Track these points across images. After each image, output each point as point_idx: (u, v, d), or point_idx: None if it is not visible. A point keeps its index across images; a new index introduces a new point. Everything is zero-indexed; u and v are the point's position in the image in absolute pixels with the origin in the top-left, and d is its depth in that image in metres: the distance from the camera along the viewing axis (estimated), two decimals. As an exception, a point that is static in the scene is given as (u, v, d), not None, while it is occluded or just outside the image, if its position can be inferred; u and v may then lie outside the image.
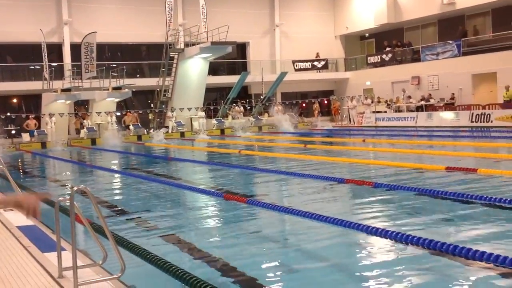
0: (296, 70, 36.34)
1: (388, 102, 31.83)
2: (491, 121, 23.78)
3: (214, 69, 34.72)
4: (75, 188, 4.27)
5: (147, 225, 7.69)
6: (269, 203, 8.49)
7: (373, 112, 30.93)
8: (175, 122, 30.11)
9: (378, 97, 32.69)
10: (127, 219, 8.22)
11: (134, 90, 30.95)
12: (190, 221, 8.08)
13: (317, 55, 37.80)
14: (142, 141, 27.70)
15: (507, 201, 7.44)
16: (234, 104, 33.24)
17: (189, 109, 30.40)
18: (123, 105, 33.22)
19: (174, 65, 30.80)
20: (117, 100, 30.46)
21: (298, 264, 5.64)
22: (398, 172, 11.51)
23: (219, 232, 7.38)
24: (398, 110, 30.77)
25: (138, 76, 34.00)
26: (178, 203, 9.79)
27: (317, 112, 35.15)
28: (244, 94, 35.97)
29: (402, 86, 31.90)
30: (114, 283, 4.37)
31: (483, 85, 28.28)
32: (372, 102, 31.87)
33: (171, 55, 30.94)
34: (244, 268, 5.36)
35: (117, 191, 12.16)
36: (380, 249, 5.91)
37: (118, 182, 13.73)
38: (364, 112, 31.52)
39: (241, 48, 37.38)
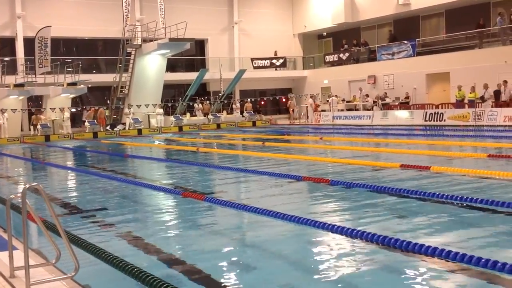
0: (254, 67, 36.43)
1: (347, 101, 32.32)
2: (444, 120, 24.42)
3: (172, 66, 34.45)
4: (27, 186, 4.17)
5: (103, 223, 7.57)
6: (227, 200, 8.50)
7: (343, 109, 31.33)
8: (132, 119, 29.73)
9: (336, 95, 33.08)
10: (81, 217, 8.07)
11: (89, 86, 30.43)
12: (147, 219, 8.00)
13: (275, 53, 37.98)
14: (98, 138, 27.25)
15: (458, 198, 7.65)
16: (200, 103, 33.11)
17: (147, 105, 30.08)
18: (78, 101, 32.60)
19: (131, 61, 30.39)
20: (72, 96, 29.88)
21: (255, 261, 5.65)
22: (355, 169, 11.69)
23: (176, 229, 7.33)
24: (355, 108, 31.26)
25: (94, 71, 33.43)
26: (135, 201, 9.67)
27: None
28: (202, 91, 35.83)
29: (359, 85, 32.40)
30: (68, 283, 4.28)
31: (436, 84, 29.01)
32: (337, 101, 32.20)
33: (128, 51, 30.50)
34: (201, 266, 5.35)
35: (72, 189, 11.92)
36: (336, 246, 5.99)
37: (72, 179, 13.46)
38: (322, 110, 31.88)
39: (200, 45, 37.20)
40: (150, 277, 4.61)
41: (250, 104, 34.26)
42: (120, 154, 18.22)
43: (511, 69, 24.34)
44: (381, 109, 28.22)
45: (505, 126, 21.53)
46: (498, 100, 24.21)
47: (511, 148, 14.25)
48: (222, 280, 4.93)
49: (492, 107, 23.67)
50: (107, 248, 5.70)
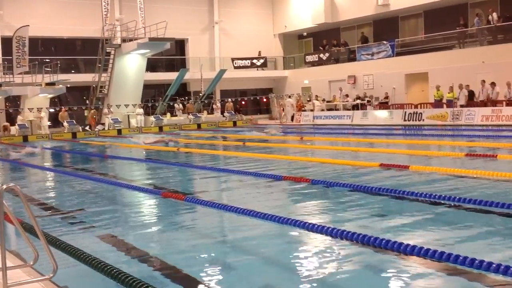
0: (235, 67, 36.40)
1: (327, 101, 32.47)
2: (423, 120, 24.67)
3: (152, 66, 34.27)
4: (4, 186, 4.11)
5: (82, 224, 7.50)
6: (207, 200, 8.48)
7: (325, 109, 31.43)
8: (111, 119, 29.51)
9: (316, 95, 33.22)
10: (60, 218, 7.99)
11: (68, 86, 30.13)
12: (127, 219, 7.94)
13: (259, 53, 38.04)
14: (77, 138, 27.00)
15: (436, 196, 7.74)
16: (181, 103, 33.00)
17: (126, 105, 29.89)
18: (57, 101, 32.27)
19: (111, 61, 30.14)
20: (51, 96, 29.57)
21: (235, 260, 5.65)
22: (335, 169, 11.75)
23: (156, 230, 7.29)
24: (335, 108, 31.42)
25: (73, 71, 33.12)
26: (114, 201, 9.60)
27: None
28: (183, 91, 35.71)
29: (339, 85, 32.58)
30: (46, 284, 4.24)
31: (415, 84, 29.30)
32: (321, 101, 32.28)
33: (107, 51, 30.25)
34: (181, 266, 5.33)
35: (50, 190, 11.79)
36: (316, 245, 6.01)
37: (51, 180, 13.32)
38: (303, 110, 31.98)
39: (180, 45, 37.07)
40: (129, 278, 4.58)
41: (231, 104, 34.26)
42: (100, 154, 18.07)
43: (489, 69, 24.69)
44: (373, 109, 28.14)
45: (482, 125, 21.84)
46: (471, 100, 24.53)
47: (488, 147, 14.45)
48: (202, 280, 4.92)
49: (462, 106, 23.96)
50: (86, 249, 5.65)
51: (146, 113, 31.75)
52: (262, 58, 37.71)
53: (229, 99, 34.75)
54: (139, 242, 6.43)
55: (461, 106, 24.18)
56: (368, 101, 29.45)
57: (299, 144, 18.41)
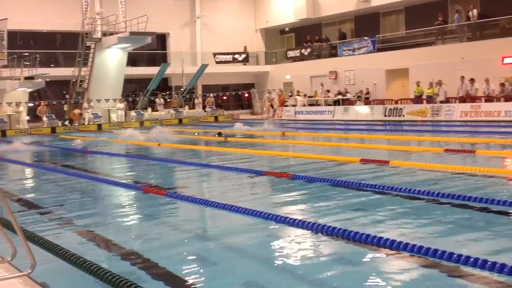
0: (217, 62, 36.30)
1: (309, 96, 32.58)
2: (403, 115, 24.87)
3: (133, 60, 34.00)
4: (-20, 182, 4.05)
5: (61, 220, 7.42)
6: (188, 195, 8.46)
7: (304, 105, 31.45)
8: (91, 114, 29.25)
9: (298, 90, 33.30)
10: (39, 214, 7.90)
11: (48, 80, 29.77)
12: (107, 215, 7.88)
13: (245, 48, 37.99)
14: (56, 133, 26.72)
15: (416, 191, 7.81)
16: (162, 97, 32.84)
17: (107, 100, 29.64)
18: (36, 96, 31.87)
19: (91, 55, 29.85)
20: (30, 90, 29.20)
21: (217, 255, 5.65)
22: (316, 164, 11.79)
23: (137, 226, 7.25)
24: (317, 103, 31.52)
25: (52, 65, 32.72)
26: (94, 197, 9.52)
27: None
28: (164, 86, 35.52)
29: (320, 80, 32.68)
30: (24, 280, 4.19)
31: (396, 80, 29.51)
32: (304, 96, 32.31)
33: (87, 45, 29.95)
34: (162, 262, 5.30)
35: (29, 185, 11.66)
36: (297, 239, 6.03)
37: (30, 175, 13.17)
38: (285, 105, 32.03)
39: (161, 39, 36.86)
40: (108, 274, 4.55)
41: (212, 99, 34.19)
42: (79, 149, 17.90)
43: (468, 66, 24.95)
44: (364, 104, 27.99)
45: (461, 121, 22.09)
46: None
47: (467, 142, 14.63)
48: (183, 275, 4.91)
49: (442, 102, 24.23)
50: (65, 245, 5.59)
51: (127, 108, 31.53)
52: (244, 53, 37.66)
53: (211, 94, 34.66)
54: (119, 238, 6.38)
55: (441, 102, 24.42)
56: (359, 97, 29.59)
57: (281, 140, 18.44)
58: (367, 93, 29.88)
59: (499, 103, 22.38)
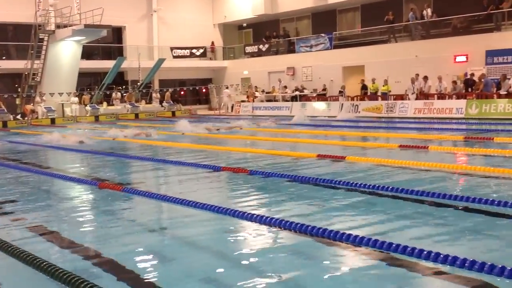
0: (174, 57, 35.97)
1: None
2: (359, 112, 25.25)
3: (88, 53, 33.33)
4: None
5: (13, 216, 7.22)
6: (145, 191, 8.37)
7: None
8: (45, 108, 28.55)
9: (256, 86, 33.36)
10: (-11, 211, 7.66)
11: (-1, 72, 28.87)
12: (61, 211, 7.71)
13: (212, 43, 37.82)
14: (8, 128, 25.96)
15: (371, 186, 7.95)
16: (118, 91, 32.28)
17: (61, 94, 28.98)
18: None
19: (44, 48, 29.10)
20: (-21, 82, 28.26)
21: (174, 252, 5.60)
22: (273, 160, 11.85)
23: (92, 222, 7.12)
24: (274, 99, 31.65)
25: (3, 58, 31.74)
26: (48, 192, 9.30)
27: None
28: (120, 80, 34.98)
29: (278, 76, 32.82)
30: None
31: (352, 77, 29.92)
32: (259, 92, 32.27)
33: (40, 37, 29.18)
34: (118, 258, 5.22)
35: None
36: (255, 234, 6.05)
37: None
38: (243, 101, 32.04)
39: (117, 33, 36.24)
40: (61, 272, 4.46)
41: (169, 93, 33.89)
42: (33, 144, 17.44)
43: (422, 63, 25.54)
44: (347, 100, 27.40)
45: (415, 118, 22.59)
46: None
47: (420, 139, 14.97)
48: (140, 273, 4.84)
49: (404, 99, 24.75)
50: (16, 241, 5.45)
51: (81, 102, 30.92)
52: (202, 48, 37.44)
53: (168, 89, 34.35)
54: (74, 235, 6.25)
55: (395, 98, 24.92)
56: (323, 89, 29.86)
57: (239, 135, 18.44)
58: (324, 89, 30.20)
59: (451, 101, 22.99)
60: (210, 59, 38.12)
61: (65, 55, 29.50)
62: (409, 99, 24.09)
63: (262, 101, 31.78)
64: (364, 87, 27.63)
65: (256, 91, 32.62)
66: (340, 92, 27.76)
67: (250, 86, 33.13)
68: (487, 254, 4.98)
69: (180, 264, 5.16)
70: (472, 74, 23.47)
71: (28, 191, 9.31)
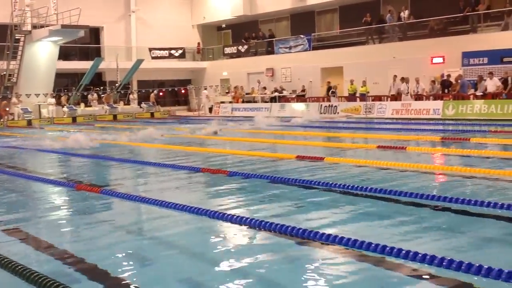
0: (152, 58, 35.76)
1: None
2: (338, 113, 25.39)
3: (65, 54, 32.94)
4: None
5: (-12, 220, 7.10)
6: (123, 192, 8.30)
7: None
8: (21, 109, 28.16)
9: (241, 87, 33.30)
10: (-36, 214, 7.52)
11: (-27, 73, 28.41)
12: (37, 213, 7.60)
13: (199, 44, 37.67)
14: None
15: (349, 187, 7.99)
16: (95, 93, 31.98)
17: (37, 95, 28.62)
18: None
19: (20, 48, 28.70)
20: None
21: (153, 254, 5.56)
22: (252, 161, 11.85)
23: (70, 224, 7.02)
24: (253, 100, 31.66)
25: (-22, 58, 31.20)
26: (24, 195, 9.16)
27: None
28: (98, 81, 34.66)
29: (257, 77, 32.84)
30: None
31: (331, 78, 30.05)
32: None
33: (16, 37, 28.76)
34: (96, 261, 5.16)
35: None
36: (235, 235, 6.04)
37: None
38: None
39: (95, 33, 35.90)
40: (37, 275, 4.39)
41: (154, 95, 33.75)
42: (7, 145, 17.18)
43: (400, 65, 25.76)
44: (337, 100, 27.13)
45: (393, 118, 22.80)
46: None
47: (398, 139, 15.10)
48: (118, 276, 4.80)
49: (372, 100, 24.96)
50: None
51: (59, 103, 30.55)
52: (181, 49, 37.28)
53: (153, 90, 34.19)
54: (51, 237, 6.17)
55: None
56: (303, 90, 29.97)
57: (218, 137, 18.38)
58: (303, 90, 30.31)
59: (428, 102, 23.25)
60: (197, 60, 37.99)
61: (42, 56, 29.13)
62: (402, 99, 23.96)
63: (241, 102, 31.75)
64: (329, 89, 28.01)
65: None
66: (332, 92, 27.74)
67: (236, 87, 33.05)
68: (462, 253, 5.04)
69: (159, 265, 5.13)
70: (449, 75, 23.77)
71: (3, 193, 9.15)
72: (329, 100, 26.89)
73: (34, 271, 4.48)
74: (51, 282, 4.22)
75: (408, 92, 24.03)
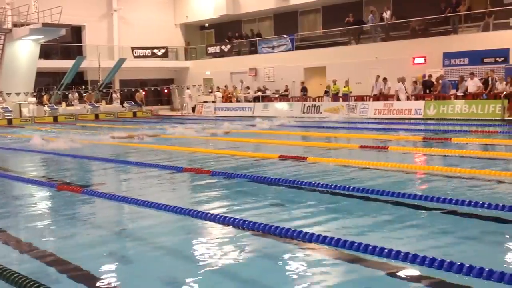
0: (135, 57, 35.55)
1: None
2: (321, 113, 25.49)
3: (46, 53, 32.60)
4: None
5: (-33, 220, 7.00)
6: (106, 192, 8.23)
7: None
8: (1, 108, 27.82)
9: (218, 87, 33.26)
10: None
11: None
12: (18, 213, 7.51)
13: (187, 43, 37.48)
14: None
15: (332, 186, 8.02)
16: (77, 92, 31.67)
17: (18, 94, 28.29)
18: None
19: (0, 47, 28.34)
20: None
21: (135, 253, 5.53)
22: (236, 160, 11.84)
23: (50, 224, 6.95)
24: (237, 100, 31.63)
25: (-43, 57, 30.72)
26: (4, 195, 9.04)
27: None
28: (79, 80, 34.36)
29: (240, 77, 32.82)
30: None
31: (314, 78, 30.17)
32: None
33: (-4, 36, 28.40)
34: (78, 261, 5.11)
35: None
36: (218, 235, 6.02)
37: None
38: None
39: (76, 32, 35.58)
40: (18, 276, 4.34)
41: (142, 95, 33.49)
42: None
43: (382, 65, 25.95)
44: (331, 100, 26.85)
45: (375, 118, 22.94)
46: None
47: (380, 139, 15.20)
48: (100, 275, 4.76)
49: (355, 100, 25.11)
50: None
51: (40, 102, 30.23)
52: (163, 48, 37.12)
53: (140, 90, 33.97)
54: (32, 238, 6.10)
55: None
56: (286, 90, 30.05)
57: (201, 136, 18.33)
58: (286, 90, 30.36)
59: (410, 102, 23.44)
60: (180, 59, 37.84)
61: (22, 55, 28.81)
62: (399, 99, 23.95)
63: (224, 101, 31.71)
64: (303, 89, 28.50)
65: (218, 91, 32.50)
66: (325, 92, 27.71)
67: (226, 86, 32.93)
68: (445, 251, 5.08)
69: (141, 265, 5.10)
70: (430, 76, 23.98)
71: (-17, 194, 9.03)
72: (306, 100, 27.22)
73: (14, 271, 4.43)
74: (31, 283, 4.17)
75: (406, 92, 24.15)
